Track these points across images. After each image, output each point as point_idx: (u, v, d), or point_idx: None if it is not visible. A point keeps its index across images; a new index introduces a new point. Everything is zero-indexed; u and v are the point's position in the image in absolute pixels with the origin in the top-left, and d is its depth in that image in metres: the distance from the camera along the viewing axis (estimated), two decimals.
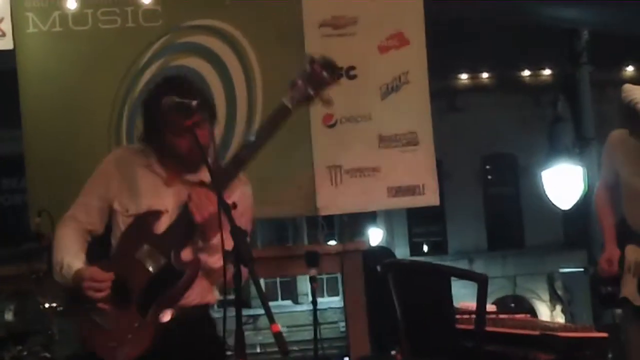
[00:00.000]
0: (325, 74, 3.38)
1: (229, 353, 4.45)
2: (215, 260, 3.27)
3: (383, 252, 7.46)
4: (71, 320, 3.44)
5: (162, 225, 3.32)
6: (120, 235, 3.34)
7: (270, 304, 2.90)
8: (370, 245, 6.81)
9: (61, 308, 4.27)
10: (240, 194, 3.35)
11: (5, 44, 5.22)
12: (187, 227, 3.26)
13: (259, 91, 5.32)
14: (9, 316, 4.54)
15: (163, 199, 3.35)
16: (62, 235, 3.41)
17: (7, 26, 5.20)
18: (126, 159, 3.45)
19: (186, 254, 3.30)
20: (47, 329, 4.36)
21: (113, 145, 5.06)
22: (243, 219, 3.20)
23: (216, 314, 3.61)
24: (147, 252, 3.28)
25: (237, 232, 2.94)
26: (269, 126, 3.41)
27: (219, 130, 4.68)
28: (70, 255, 3.34)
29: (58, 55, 5.25)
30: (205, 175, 3.27)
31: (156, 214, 3.33)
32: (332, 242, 13.38)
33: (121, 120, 5.30)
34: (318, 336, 4.96)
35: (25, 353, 4.33)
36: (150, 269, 3.27)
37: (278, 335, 2.77)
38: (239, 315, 2.93)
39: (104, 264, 3.30)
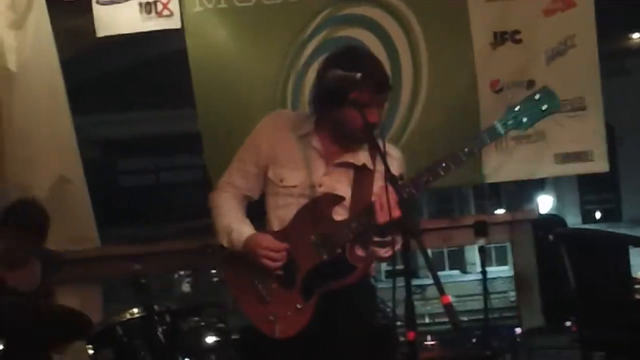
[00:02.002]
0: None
1: (398, 323, 4.46)
2: (386, 251, 3.21)
3: (554, 220, 7.27)
4: (231, 288, 3.42)
5: (338, 210, 3.27)
6: (297, 212, 3.28)
7: (438, 274, 2.84)
8: (540, 214, 6.61)
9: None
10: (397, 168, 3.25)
11: (173, 22, 5.36)
12: (367, 223, 3.17)
13: (424, 64, 5.24)
14: (185, 288, 4.66)
15: (314, 174, 3.29)
16: (223, 202, 3.41)
17: (174, 6, 5.33)
18: (283, 125, 3.39)
19: (359, 248, 3.26)
20: (221, 301, 4.47)
21: None
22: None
23: (383, 283, 3.59)
24: (322, 237, 3.24)
25: (405, 204, 2.90)
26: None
27: None
28: (237, 221, 3.35)
29: (224, 31, 5.35)
30: (365, 157, 3.25)
31: (335, 198, 3.27)
32: (500, 211, 13.12)
33: (286, 92, 5.36)
34: (488, 306, 4.90)
35: (201, 324, 4.45)
36: (323, 255, 3.24)
37: (448, 307, 2.72)
38: (408, 287, 2.89)
39: (277, 234, 3.29)
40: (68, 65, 5.56)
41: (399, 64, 5.29)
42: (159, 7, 5.31)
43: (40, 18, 5.39)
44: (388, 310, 4.47)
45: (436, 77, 5.30)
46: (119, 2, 5.31)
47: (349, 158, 3.31)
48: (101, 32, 5.34)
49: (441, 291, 2.73)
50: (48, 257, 4.72)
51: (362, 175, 3.30)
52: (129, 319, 4.25)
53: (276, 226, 3.35)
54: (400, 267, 2.99)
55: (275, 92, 5.35)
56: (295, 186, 3.31)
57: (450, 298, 2.71)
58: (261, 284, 3.28)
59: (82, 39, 5.71)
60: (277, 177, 3.33)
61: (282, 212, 3.34)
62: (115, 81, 8.38)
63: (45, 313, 4.15)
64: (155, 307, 4.27)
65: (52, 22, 5.43)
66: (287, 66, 5.35)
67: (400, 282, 2.89)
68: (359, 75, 3.09)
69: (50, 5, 5.41)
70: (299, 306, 3.24)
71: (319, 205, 3.27)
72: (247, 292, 3.30)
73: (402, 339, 4.38)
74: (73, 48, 5.75)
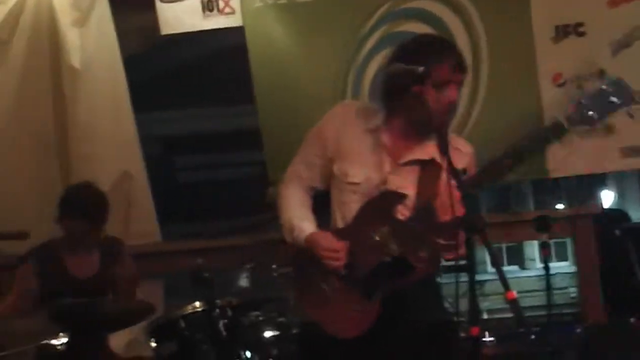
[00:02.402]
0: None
1: (461, 319, 4.43)
2: (449, 253, 3.11)
3: (619, 215, 7.15)
4: (295, 285, 3.39)
5: (402, 209, 3.19)
6: (359, 210, 3.22)
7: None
8: (603, 209, 6.50)
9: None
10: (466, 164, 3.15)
11: (235, 20, 5.39)
12: (429, 223, 3.13)
13: (484, 59, 5.19)
14: (244, 283, 4.68)
15: (380, 171, 3.23)
16: (288, 194, 3.35)
17: (236, 3, 5.36)
18: (351, 117, 3.29)
19: (421, 249, 3.19)
20: (281, 296, 4.48)
21: None
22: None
23: (443, 279, 3.55)
24: (386, 235, 3.18)
25: (468, 199, 2.86)
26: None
27: None
28: (300, 216, 3.30)
29: (283, 27, 5.37)
30: (434, 151, 3.12)
31: (399, 197, 3.20)
32: (559, 206, 12.95)
33: (346, 87, 5.37)
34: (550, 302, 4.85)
35: (261, 319, 4.47)
36: (386, 255, 3.17)
37: (514, 303, 2.69)
38: (472, 283, 2.86)
39: (339, 231, 3.25)
40: (129, 62, 5.64)
41: None
42: (221, 4, 5.36)
43: (103, 16, 5.47)
44: (448, 305, 4.45)
45: (497, 72, 5.25)
46: (181, 0, 5.37)
47: (417, 154, 3.23)
48: (165, 29, 5.42)
49: (506, 287, 2.68)
50: (108, 244, 4.76)
51: (429, 171, 3.21)
52: (191, 313, 4.28)
53: (339, 223, 3.30)
54: (459, 262, 2.96)
55: (335, 88, 5.35)
56: (359, 183, 3.24)
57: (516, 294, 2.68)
58: (325, 282, 3.23)
59: (144, 36, 5.79)
60: (342, 172, 3.26)
61: (345, 209, 3.28)
62: (175, 78, 8.45)
63: (106, 306, 4.20)
64: (217, 301, 4.30)
65: (114, 20, 5.50)
66: (347, 61, 5.35)
67: (459, 276, 2.86)
68: (420, 69, 3.06)
69: (113, 2, 5.49)
70: (361, 306, 3.19)
71: (381, 204, 3.21)
72: (311, 290, 3.26)
73: (462, 334, 4.36)
74: (135, 45, 5.82)
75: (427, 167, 3.21)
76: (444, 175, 3.06)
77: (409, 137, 3.24)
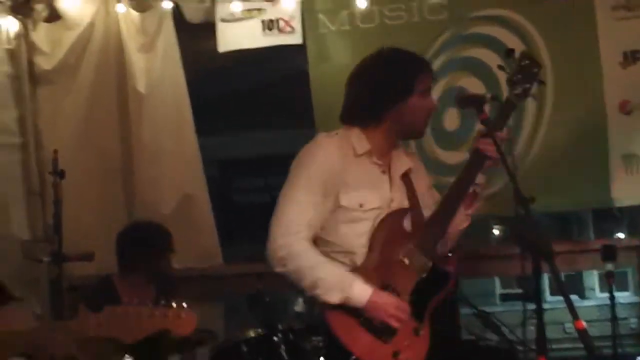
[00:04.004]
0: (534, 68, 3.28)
1: (520, 348, 4.37)
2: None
3: None
4: (339, 334, 3.20)
5: (408, 223, 3.26)
6: (377, 237, 3.20)
7: (556, 298, 2.78)
8: None
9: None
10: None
11: (295, 38, 5.42)
12: (440, 225, 3.23)
13: (549, 84, 5.10)
14: (299, 308, 4.67)
15: (384, 191, 3.28)
16: (309, 251, 3.17)
17: (297, 24, 5.39)
18: (340, 149, 3.28)
19: (442, 251, 3.28)
20: None
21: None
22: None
23: (497, 307, 3.53)
24: (413, 252, 3.20)
25: (533, 224, 2.85)
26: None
27: None
28: (347, 276, 3.15)
29: (346, 52, 5.37)
30: (408, 159, 3.40)
31: (404, 212, 3.27)
32: (620, 235, 12.74)
33: None
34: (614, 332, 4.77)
35: (321, 344, 4.45)
36: (419, 272, 3.20)
37: (583, 332, 2.66)
38: (539, 312, 2.84)
39: (367, 266, 3.18)
40: (193, 85, 5.69)
41: None
42: (281, 24, 5.39)
43: (168, 41, 5.54)
44: (506, 334, 4.41)
45: (562, 97, 5.18)
46: (242, 19, 5.41)
47: (403, 165, 3.36)
48: (222, 47, 5.46)
49: (575, 315, 2.66)
50: (163, 278, 4.82)
51: (406, 178, 3.35)
52: (253, 337, 4.28)
53: (362, 256, 3.22)
54: (515, 291, 2.95)
55: None
56: (378, 207, 3.24)
57: (571, 323, 2.65)
58: (371, 324, 3.15)
59: (207, 60, 5.84)
60: (354, 202, 3.20)
61: (364, 239, 3.22)
62: (235, 101, 8.53)
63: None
64: (279, 325, 4.29)
65: (179, 44, 5.57)
66: None
67: (517, 305, 2.85)
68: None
69: (178, 27, 5.55)
70: (416, 331, 3.18)
71: (393, 225, 3.24)
72: (360, 335, 3.15)
73: None
74: (198, 69, 5.88)
75: (405, 175, 3.36)
76: (418, 176, 3.38)
77: (388, 150, 3.34)
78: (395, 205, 3.26)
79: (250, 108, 9.12)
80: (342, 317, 3.15)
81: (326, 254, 3.21)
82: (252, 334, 4.29)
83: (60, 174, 4.53)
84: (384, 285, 3.17)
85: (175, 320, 2.58)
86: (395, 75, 3.26)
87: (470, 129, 4.91)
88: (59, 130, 5.60)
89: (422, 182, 3.44)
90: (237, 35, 5.46)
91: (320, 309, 3.22)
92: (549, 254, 2.81)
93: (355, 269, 3.19)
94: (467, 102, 3.28)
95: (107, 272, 4.72)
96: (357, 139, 3.29)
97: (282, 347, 4.23)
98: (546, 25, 5.18)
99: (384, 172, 3.30)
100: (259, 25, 5.45)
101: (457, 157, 5.03)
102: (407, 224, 3.26)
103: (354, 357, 3.11)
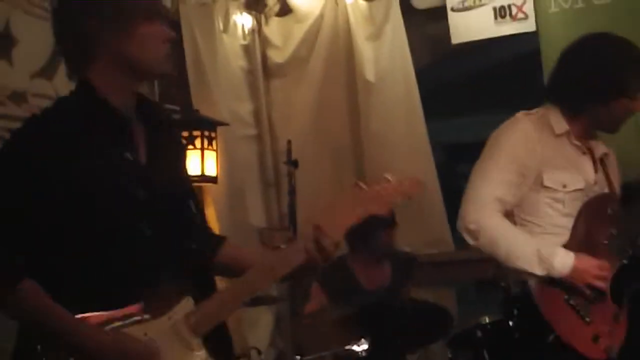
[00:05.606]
0: None
1: None
2: None
3: None
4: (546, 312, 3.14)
5: (611, 207, 3.19)
6: (579, 217, 3.14)
7: None
8: None
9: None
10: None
11: (528, 26, 5.29)
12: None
13: None
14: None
15: (587, 173, 3.21)
16: (503, 224, 3.14)
17: (529, 8, 5.27)
18: (538, 128, 3.20)
19: None
20: None
21: None
22: None
23: None
24: (615, 237, 3.16)
25: None
26: None
27: None
28: (545, 244, 3.11)
29: (580, 31, 5.14)
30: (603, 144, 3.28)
31: (609, 196, 3.22)
32: None
33: None
34: None
35: None
36: (621, 258, 3.14)
37: None
38: None
39: (571, 246, 3.13)
40: (421, 73, 5.69)
41: None
42: (514, 10, 5.28)
43: (396, 28, 5.57)
44: None
45: None
46: (473, 8, 5.35)
47: (600, 149, 3.27)
48: (456, 39, 5.42)
49: None
50: (402, 258, 4.86)
51: (603, 162, 3.28)
52: (487, 322, 4.24)
53: (563, 237, 3.16)
54: None
55: None
56: (582, 189, 3.17)
57: None
58: (576, 303, 3.10)
59: (436, 47, 5.82)
60: (557, 182, 3.14)
61: (567, 220, 3.17)
62: (463, 86, 8.47)
63: (406, 308, 4.28)
64: (514, 311, 4.22)
65: (407, 31, 5.58)
66: None
67: None
68: None
69: (406, 14, 5.57)
70: (616, 318, 3.11)
71: (599, 208, 3.18)
72: (563, 314, 3.10)
73: None
74: (427, 56, 5.87)
75: (602, 161, 3.28)
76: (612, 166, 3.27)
77: (586, 134, 3.24)
78: (597, 188, 3.22)
79: (477, 91, 9.02)
80: (548, 292, 3.12)
81: None
82: (486, 319, 4.24)
83: (294, 164, 4.66)
84: None
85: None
86: (613, 74, 3.15)
87: None
88: (291, 121, 5.78)
89: (615, 170, 3.36)
90: (470, 25, 5.40)
91: (521, 282, 3.22)
92: None
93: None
94: None
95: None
96: (556, 119, 3.23)
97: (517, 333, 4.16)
98: None
99: (584, 153, 3.24)
100: (491, 13, 5.36)
101: None
102: (610, 208, 3.21)
103: (553, 334, 3.05)
